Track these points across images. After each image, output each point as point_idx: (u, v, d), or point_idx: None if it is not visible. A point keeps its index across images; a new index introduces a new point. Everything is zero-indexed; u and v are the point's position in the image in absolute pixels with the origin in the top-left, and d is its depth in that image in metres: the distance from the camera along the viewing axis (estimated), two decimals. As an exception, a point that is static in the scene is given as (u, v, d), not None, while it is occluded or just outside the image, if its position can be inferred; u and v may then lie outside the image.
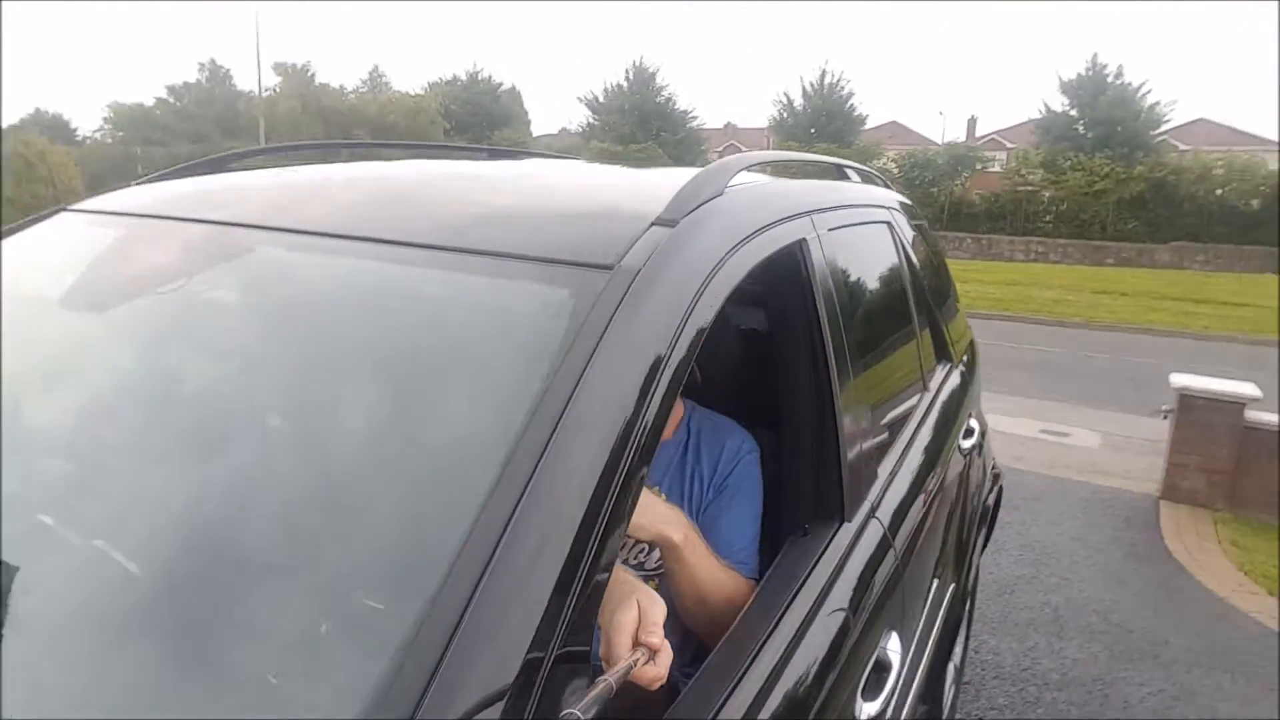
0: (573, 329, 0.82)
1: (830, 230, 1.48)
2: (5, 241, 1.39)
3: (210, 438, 0.91)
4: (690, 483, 1.36)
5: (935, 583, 1.84)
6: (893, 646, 1.29)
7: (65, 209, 1.50)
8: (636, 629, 0.81)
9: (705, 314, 0.95)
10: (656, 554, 1.32)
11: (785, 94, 32.94)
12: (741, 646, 1.01)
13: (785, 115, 32.02)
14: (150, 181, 1.58)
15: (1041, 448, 5.96)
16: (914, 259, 2.18)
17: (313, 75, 35.69)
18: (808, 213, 1.40)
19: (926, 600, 1.76)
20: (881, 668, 1.24)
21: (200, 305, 1.11)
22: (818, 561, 1.19)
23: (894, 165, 28.57)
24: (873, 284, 1.78)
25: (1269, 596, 3.72)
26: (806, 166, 1.84)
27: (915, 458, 1.73)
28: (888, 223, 2.02)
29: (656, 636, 0.81)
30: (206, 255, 1.13)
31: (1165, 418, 4.97)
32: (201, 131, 35.54)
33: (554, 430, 0.73)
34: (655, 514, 1.15)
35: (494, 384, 0.83)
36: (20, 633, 0.80)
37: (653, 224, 1.01)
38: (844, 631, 1.16)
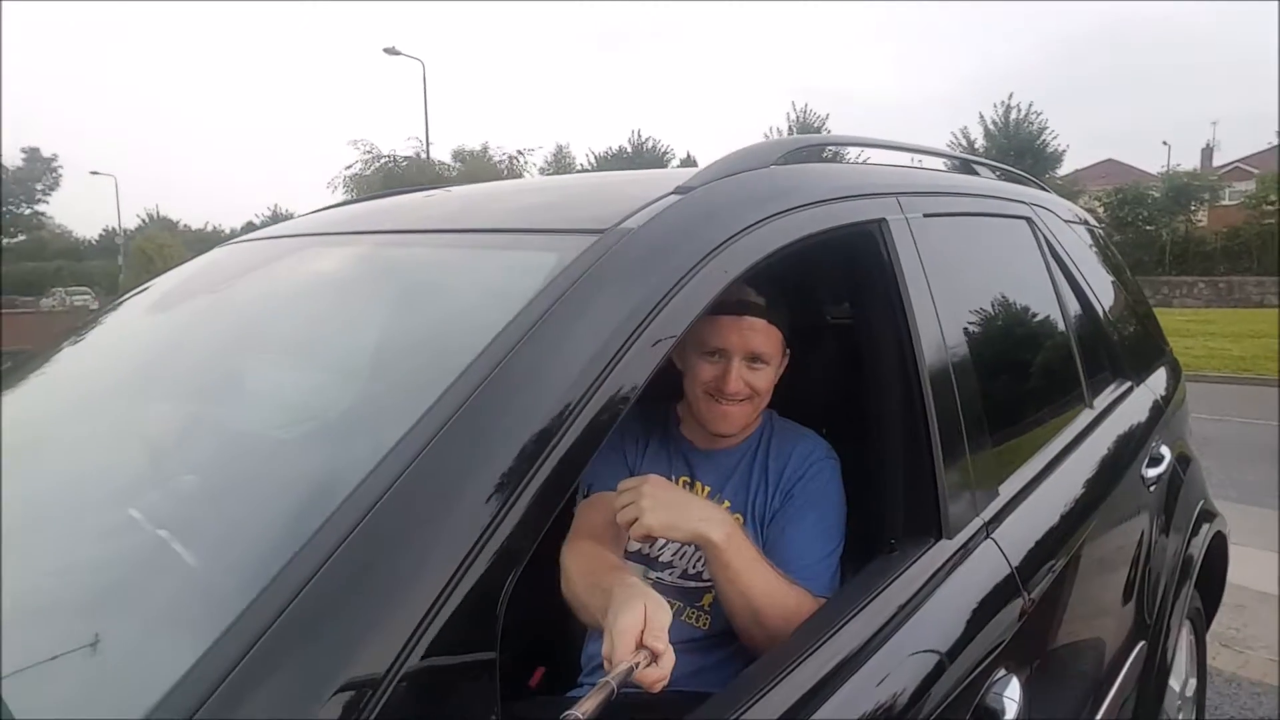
0: (536, 290, 0.76)
1: (927, 216, 1.32)
2: (179, 268, 1.57)
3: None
4: (754, 491, 1.23)
5: (1106, 634, 1.52)
6: (1009, 693, 1.05)
7: (222, 244, 1.69)
8: (641, 632, 0.78)
9: (712, 281, 0.86)
10: None
11: (963, 132, 29.96)
12: (781, 659, 0.88)
13: None
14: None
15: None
16: (1068, 261, 1.90)
17: (490, 158, 35.83)
18: (892, 193, 1.26)
19: (1095, 651, 1.45)
20: (990, 715, 1.01)
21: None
22: (896, 578, 1.01)
23: (1099, 203, 25.19)
24: (995, 279, 1.56)
25: None
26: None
27: (1066, 479, 1.47)
28: (1026, 219, 1.78)
29: (661, 641, 0.78)
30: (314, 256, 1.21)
31: None
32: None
33: (472, 394, 0.66)
34: (691, 511, 1.04)
35: (441, 348, 0.79)
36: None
37: (671, 192, 0.95)
38: (929, 659, 0.97)
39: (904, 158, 1.62)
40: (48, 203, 27.61)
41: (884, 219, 1.19)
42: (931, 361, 1.16)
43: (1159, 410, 2.10)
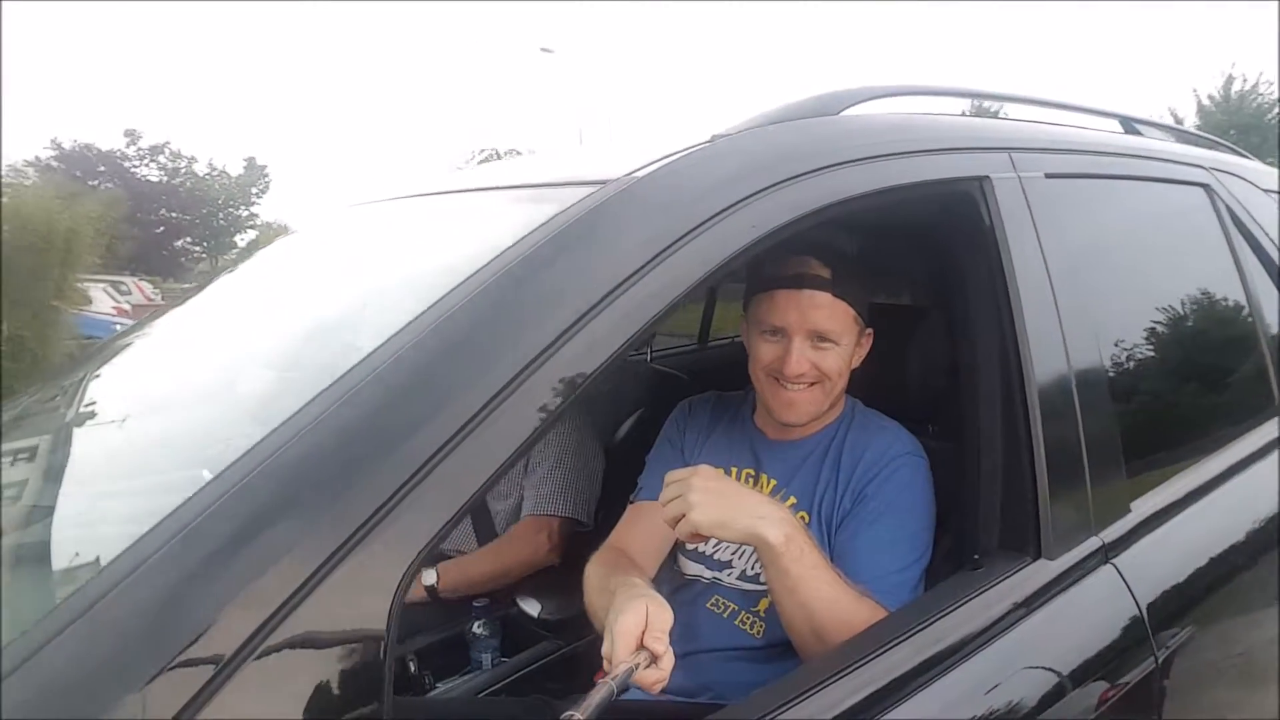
0: (511, 241, 0.69)
1: (1050, 176, 1.11)
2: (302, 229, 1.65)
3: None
4: (822, 489, 1.08)
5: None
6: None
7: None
8: (643, 633, 0.77)
9: (736, 235, 0.75)
10: None
11: (1171, 111, 25.45)
12: (811, 674, 0.77)
13: None
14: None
15: None
16: (1263, 237, 1.56)
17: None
18: (1002, 148, 1.07)
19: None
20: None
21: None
22: (970, 599, 0.85)
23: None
24: (1147, 255, 1.30)
25: None
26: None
27: (1235, 497, 1.20)
28: (1203, 185, 1.48)
29: (662, 644, 0.76)
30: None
31: None
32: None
33: (403, 351, 0.61)
34: (746, 508, 0.91)
35: (393, 303, 0.75)
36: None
37: (706, 141, 0.85)
38: (1000, 700, 0.80)
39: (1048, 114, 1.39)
40: (259, 204, 31.38)
41: (986, 177, 1.01)
42: (1039, 345, 0.97)
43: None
